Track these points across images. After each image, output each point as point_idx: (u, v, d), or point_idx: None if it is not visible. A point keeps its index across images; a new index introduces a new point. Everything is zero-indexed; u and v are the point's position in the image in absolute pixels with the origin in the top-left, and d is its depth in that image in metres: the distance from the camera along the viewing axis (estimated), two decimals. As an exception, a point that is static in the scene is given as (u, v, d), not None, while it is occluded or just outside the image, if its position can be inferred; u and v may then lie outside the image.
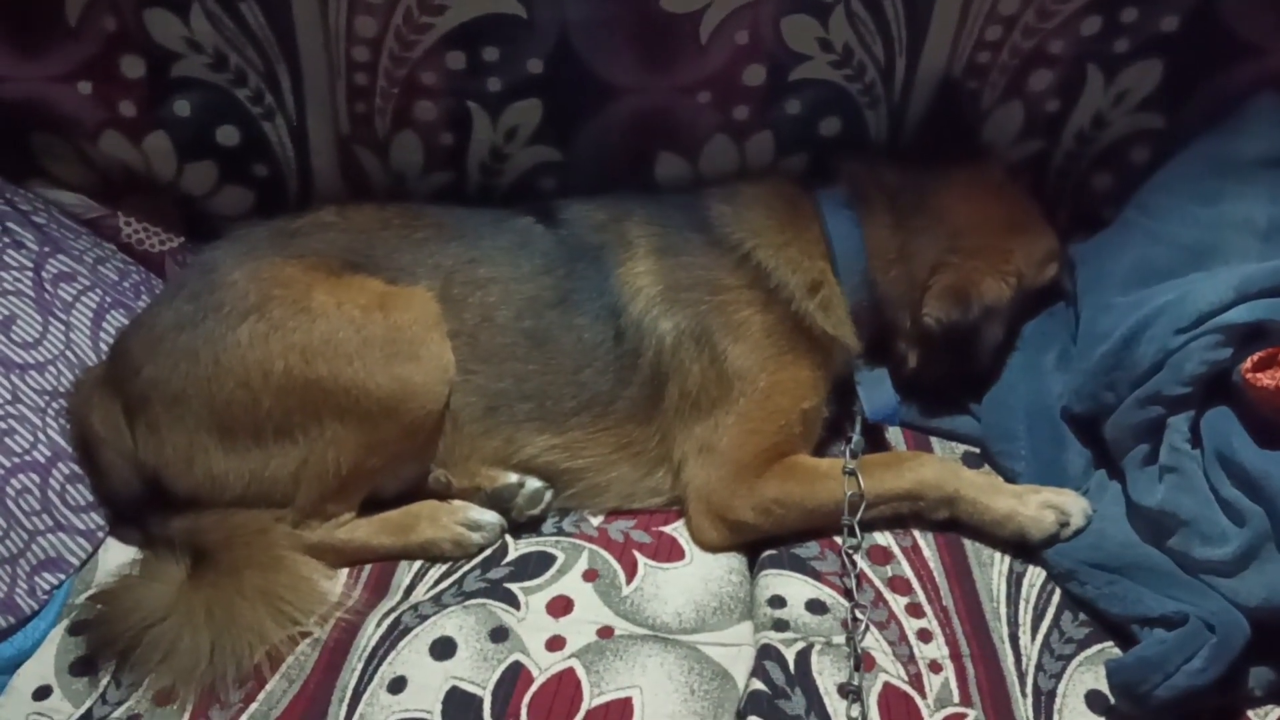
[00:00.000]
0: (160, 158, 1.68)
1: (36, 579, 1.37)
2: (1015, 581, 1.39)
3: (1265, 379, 1.26)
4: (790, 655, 1.28)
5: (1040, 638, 1.32)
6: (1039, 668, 1.28)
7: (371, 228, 1.54)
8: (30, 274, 1.57)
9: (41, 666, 1.31)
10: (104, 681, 1.29)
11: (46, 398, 1.48)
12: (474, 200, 1.69)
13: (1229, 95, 1.56)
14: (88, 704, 1.26)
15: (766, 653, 1.28)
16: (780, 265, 1.51)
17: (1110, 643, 1.30)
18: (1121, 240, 1.53)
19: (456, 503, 1.48)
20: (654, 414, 1.50)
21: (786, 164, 1.69)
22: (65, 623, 1.35)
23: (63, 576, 1.40)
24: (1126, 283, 1.46)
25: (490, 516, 1.47)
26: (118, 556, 1.45)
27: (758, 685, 1.24)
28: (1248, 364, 1.28)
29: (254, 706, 1.25)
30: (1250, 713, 1.22)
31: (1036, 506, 1.40)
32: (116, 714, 1.25)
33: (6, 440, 1.40)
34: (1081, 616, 1.33)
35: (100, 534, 1.46)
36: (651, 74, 1.59)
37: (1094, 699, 1.24)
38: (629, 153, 1.66)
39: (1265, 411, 1.28)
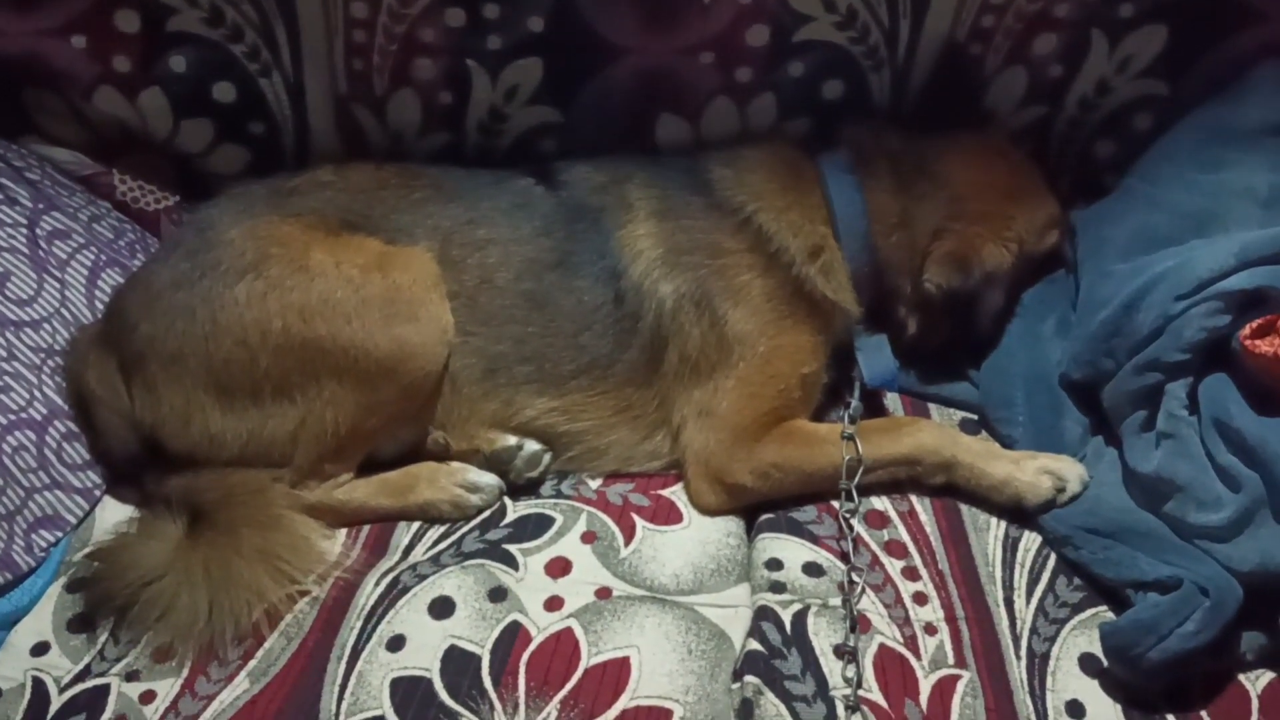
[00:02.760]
0: (156, 114, 1.65)
1: (33, 536, 1.36)
2: (1011, 546, 1.40)
3: (1264, 346, 1.26)
4: (787, 616, 1.29)
5: (1035, 601, 1.33)
6: (1033, 631, 1.29)
7: (369, 187, 1.52)
8: (24, 230, 1.55)
9: (39, 623, 1.31)
10: (102, 638, 1.29)
11: (42, 355, 1.47)
12: (472, 161, 1.66)
13: (1233, 62, 1.55)
14: (86, 660, 1.27)
15: (763, 614, 1.29)
16: (781, 229, 1.50)
17: (1104, 607, 1.31)
18: (1122, 207, 1.53)
19: (455, 464, 1.48)
20: (653, 377, 1.50)
21: (789, 127, 1.68)
22: (63, 580, 1.36)
23: (60, 534, 1.40)
24: (1127, 250, 1.46)
25: (489, 479, 1.47)
26: (114, 515, 1.45)
27: (754, 645, 1.25)
28: (1246, 330, 1.28)
29: (252, 664, 1.26)
30: (1241, 676, 1.24)
31: (1033, 472, 1.40)
32: (115, 670, 1.25)
33: (2, 397, 1.39)
34: (1076, 581, 1.34)
35: (97, 492, 1.46)
36: (654, 34, 1.57)
37: (1087, 661, 1.25)
38: (630, 114, 1.65)
39: (1263, 378, 1.28)
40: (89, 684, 1.24)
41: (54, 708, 1.22)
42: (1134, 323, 1.36)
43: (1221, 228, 1.41)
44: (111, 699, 1.22)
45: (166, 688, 1.23)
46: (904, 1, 1.56)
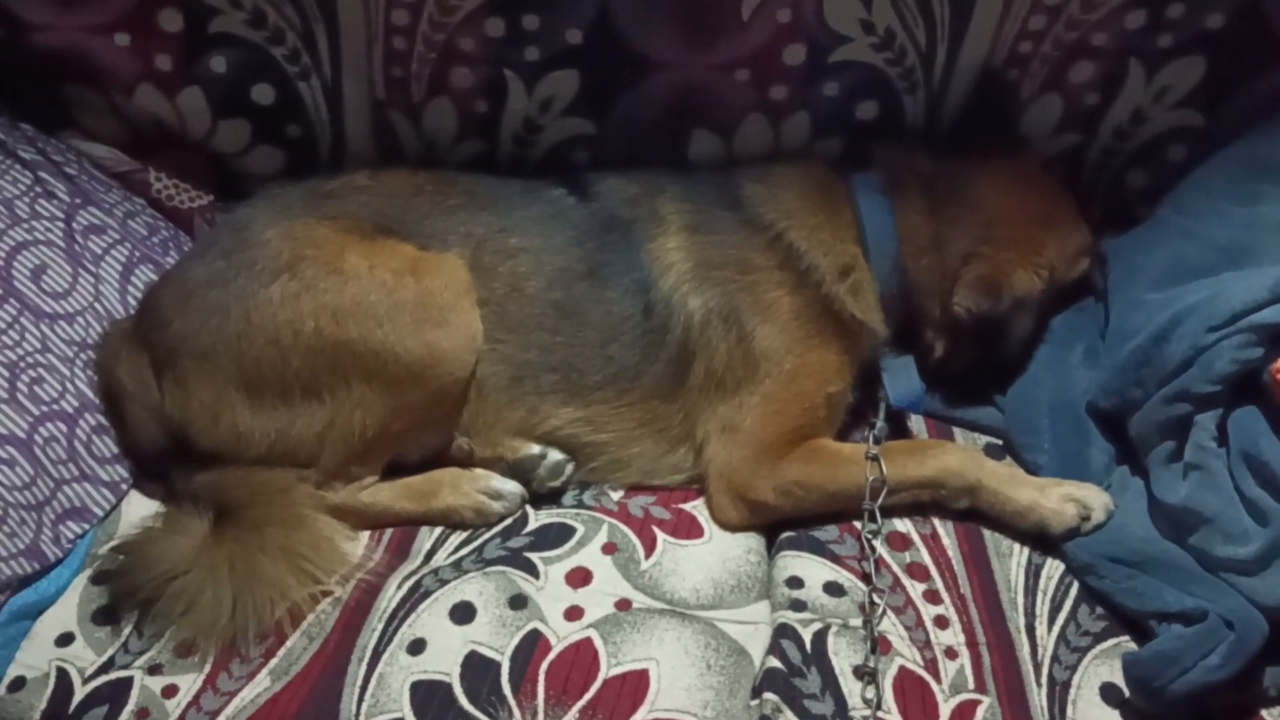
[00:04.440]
0: (194, 114, 1.67)
1: (61, 527, 1.37)
2: (1034, 573, 1.39)
3: (1295, 380, 1.26)
4: (807, 635, 1.28)
5: (1057, 629, 1.32)
6: (1054, 659, 1.28)
7: (404, 193, 1.53)
8: (61, 224, 1.57)
9: (64, 614, 1.32)
10: (126, 631, 1.30)
11: (75, 348, 1.48)
12: (505, 170, 1.68)
13: (1272, 97, 1.55)
14: (110, 652, 1.28)
15: (783, 631, 1.28)
16: (812, 247, 1.51)
17: (1126, 637, 1.30)
18: (1155, 237, 1.53)
19: (479, 471, 1.49)
20: (679, 391, 1.50)
21: (822, 147, 1.68)
22: (88, 572, 1.37)
23: (87, 526, 1.41)
24: (1158, 280, 1.46)
25: (512, 486, 1.47)
26: (140, 509, 1.46)
27: (774, 663, 1.25)
28: (1278, 364, 1.27)
29: (274, 662, 1.26)
30: (1265, 712, 1.22)
31: (1058, 499, 1.40)
32: (138, 664, 1.26)
33: (35, 389, 1.40)
34: (1098, 610, 1.33)
35: (124, 486, 1.47)
36: (691, 49, 1.58)
37: (1108, 691, 1.24)
38: (664, 129, 1.66)
39: (1293, 413, 1.28)
40: (112, 676, 1.25)
41: (77, 698, 1.22)
42: (1164, 353, 1.36)
43: (1255, 261, 1.40)
44: (134, 692, 1.23)
45: (189, 682, 1.24)
46: (942, 25, 1.57)
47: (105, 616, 1.31)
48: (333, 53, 1.62)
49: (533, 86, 1.63)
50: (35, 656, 1.27)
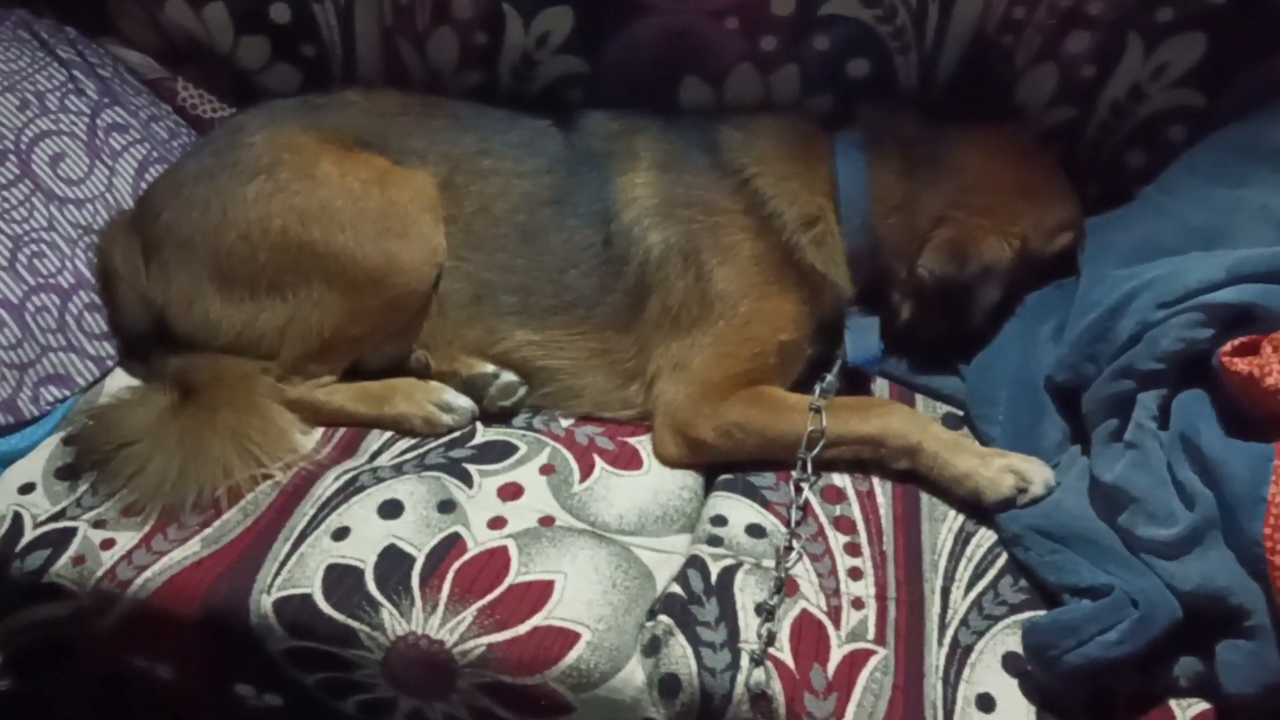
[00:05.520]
0: (218, 28, 1.76)
1: (42, 390, 1.48)
2: (963, 539, 1.37)
3: (1241, 364, 1.21)
4: (715, 568, 1.30)
5: (974, 595, 1.30)
6: (963, 622, 1.26)
7: (391, 111, 1.60)
8: (86, 119, 1.69)
9: (32, 466, 1.42)
10: (82, 489, 1.39)
11: (80, 231, 1.59)
12: (504, 103, 1.71)
13: (1274, 81, 1.49)
14: (62, 504, 1.37)
15: (693, 562, 1.30)
16: (778, 195, 1.51)
17: (1044, 612, 1.27)
18: (1131, 215, 1.48)
19: (434, 383, 1.54)
20: (634, 324, 1.52)
21: (813, 103, 1.68)
22: (62, 433, 1.47)
23: (67, 393, 1.51)
24: (1127, 257, 1.42)
25: (463, 401, 1.52)
26: (122, 384, 1.55)
27: (675, 589, 1.27)
28: (1228, 348, 1.23)
29: (208, 531, 1.34)
30: (1173, 702, 1.19)
31: (997, 469, 1.37)
32: (85, 517, 1.35)
33: (35, 262, 1.51)
34: (1022, 583, 1.31)
35: (109, 362, 1.57)
36: (681, -7, 1.60)
37: (1010, 660, 1.22)
38: (655, 73, 1.67)
39: (1239, 398, 1.23)
40: (60, 525, 1.34)
41: (25, 539, 1.32)
42: (1116, 329, 1.32)
43: (1229, 244, 1.35)
44: (76, 541, 1.32)
45: (127, 539, 1.32)
46: (932, -16, 1.55)
47: (67, 473, 1.41)
48: (345, -25, 1.69)
49: (529, 21, 1.66)
50: (-3, 499, 1.38)
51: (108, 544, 1.32)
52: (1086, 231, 1.54)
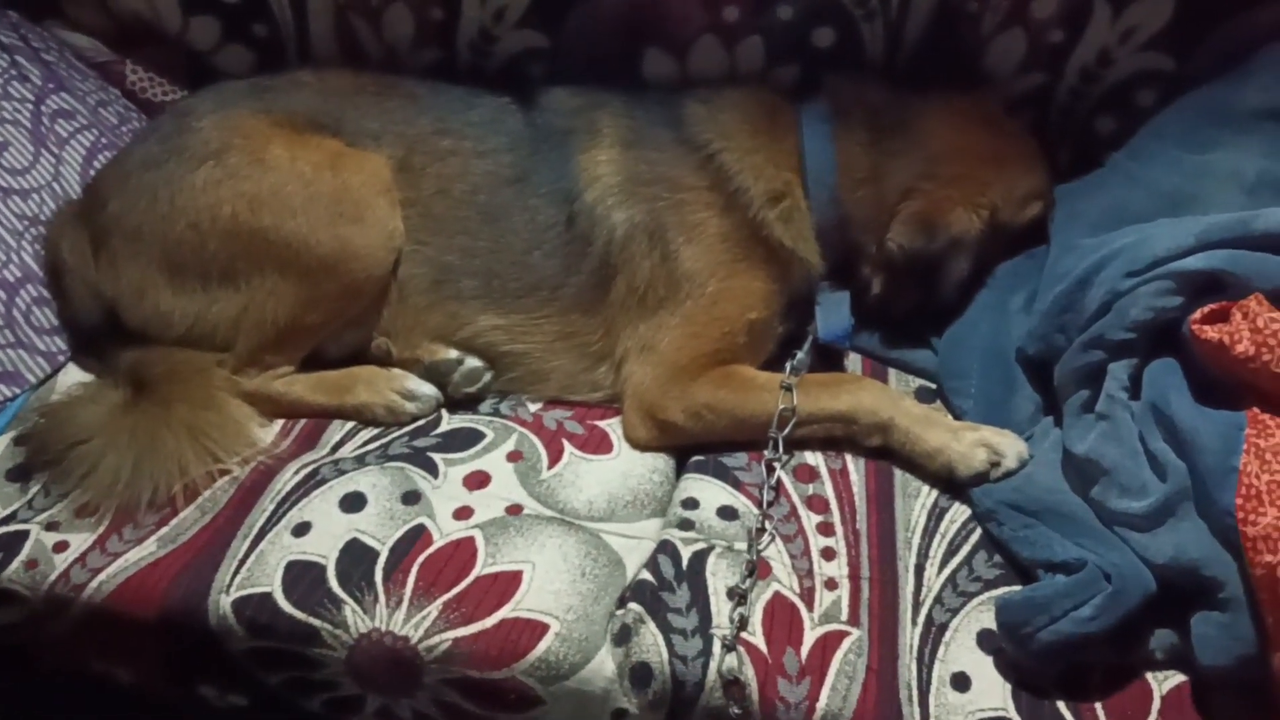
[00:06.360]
0: (167, 8, 1.71)
1: (-10, 388, 1.44)
2: (937, 516, 1.36)
3: (1211, 332, 1.19)
4: (686, 553, 1.28)
5: (948, 572, 1.29)
6: (937, 600, 1.25)
7: (345, 91, 1.55)
8: (30, 106, 1.63)
9: (-18, 468, 1.39)
10: (34, 490, 1.36)
11: (25, 222, 1.54)
12: (464, 80, 1.67)
13: (1243, 42, 1.46)
14: (14, 506, 1.34)
15: (663, 547, 1.28)
16: (743, 170, 1.48)
17: (1019, 587, 1.26)
18: (1100, 182, 1.46)
19: (396, 371, 1.51)
20: (600, 306, 1.49)
21: (778, 74, 1.64)
22: (13, 433, 1.43)
23: (18, 390, 1.47)
24: (1096, 225, 1.40)
25: (426, 388, 1.49)
26: (75, 380, 1.51)
27: (645, 575, 1.25)
28: (1197, 315, 1.21)
29: (164, 530, 1.31)
30: (1149, 675, 1.18)
31: (970, 444, 1.36)
32: (38, 519, 1.32)
33: (-22, 257, 1.47)
34: (996, 559, 1.29)
35: (61, 358, 1.53)
36: (638, -38, 1.56)
37: (985, 637, 1.21)
38: (616, 46, 1.63)
39: (1210, 366, 1.22)
40: (12, 528, 1.30)
41: (-25, 545, 1.29)
42: (1085, 298, 1.31)
43: (1198, 210, 1.33)
44: (28, 544, 1.29)
45: (80, 541, 1.29)
46: (895, -51, 1.52)
47: (18, 474, 1.37)
48: (294, -50, 1.64)
49: (486, -6, 1.62)
50: (-54, 503, 1.34)
51: (61, 546, 1.29)
52: (1056, 200, 1.52)
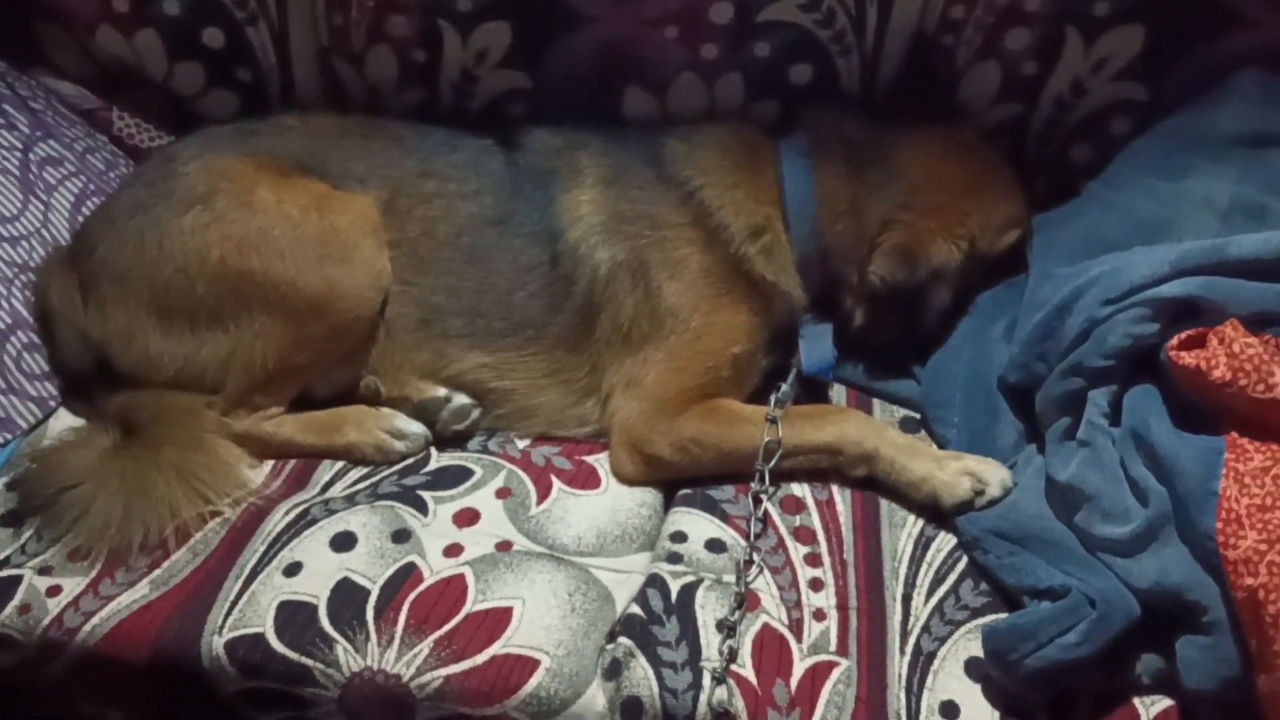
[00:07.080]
0: (152, 55, 1.74)
1: (-19, 435, 1.45)
2: (923, 545, 1.37)
3: (1188, 358, 1.21)
4: (675, 586, 1.29)
5: (935, 601, 1.30)
6: (925, 629, 1.26)
7: (330, 134, 1.57)
8: (18, 154, 1.65)
9: (-25, 514, 1.39)
10: (26, 534, 1.36)
11: (15, 269, 1.55)
12: (446, 120, 1.70)
13: (1215, 69, 1.49)
14: (6, 552, 1.34)
15: (652, 581, 1.29)
16: (724, 206, 1.50)
17: (1006, 614, 1.27)
18: (1077, 210, 1.48)
19: (385, 410, 1.52)
20: (585, 343, 1.51)
21: (757, 110, 1.67)
22: (5, 479, 1.43)
23: (9, 436, 1.47)
24: (1074, 253, 1.42)
25: (415, 427, 1.50)
26: (66, 425, 1.51)
27: (635, 609, 1.26)
28: (1174, 342, 1.23)
29: (156, 573, 1.31)
30: (1136, 700, 1.19)
31: (954, 472, 1.37)
32: (31, 564, 1.32)
33: (-32, 304, 1.48)
34: (982, 586, 1.31)
35: (52, 403, 1.54)
36: (618, 3, 1.58)
37: (972, 665, 1.22)
38: (597, 85, 1.66)
39: (1188, 392, 1.23)
40: (5, 573, 1.31)
41: (-33, 591, 1.29)
42: (1064, 326, 1.32)
43: (1173, 236, 1.35)
44: (21, 589, 1.29)
45: (73, 585, 1.30)
46: (869, -14, 1.54)
47: (10, 519, 1.37)
48: (279, -1, 1.67)
49: (467, 36, 1.64)
50: (-61, 550, 1.34)
51: (54, 590, 1.29)
52: (1034, 228, 1.54)
